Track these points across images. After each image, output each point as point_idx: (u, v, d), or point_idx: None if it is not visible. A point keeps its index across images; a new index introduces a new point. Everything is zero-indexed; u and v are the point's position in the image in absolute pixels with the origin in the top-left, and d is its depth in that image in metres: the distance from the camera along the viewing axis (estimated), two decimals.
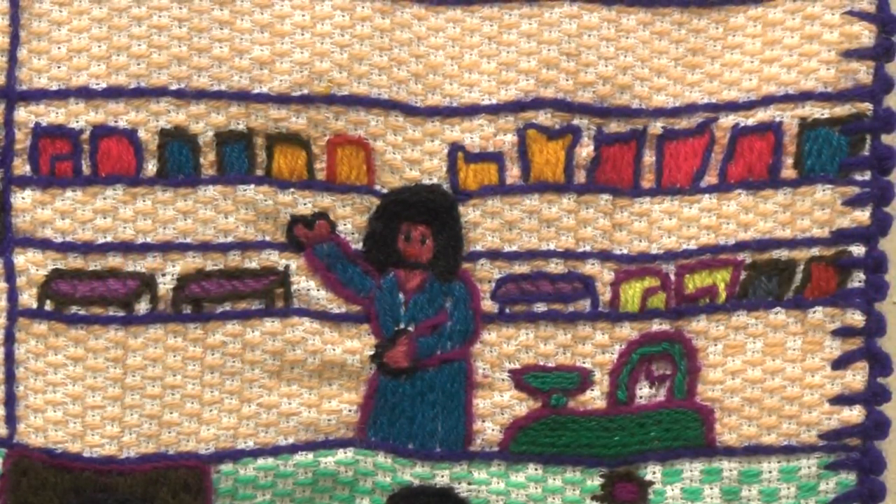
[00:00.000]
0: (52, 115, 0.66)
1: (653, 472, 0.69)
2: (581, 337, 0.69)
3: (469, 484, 0.69)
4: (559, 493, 0.69)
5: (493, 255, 0.68)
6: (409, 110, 0.68)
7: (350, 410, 0.69)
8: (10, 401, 0.66)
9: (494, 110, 0.68)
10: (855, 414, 0.68)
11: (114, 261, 0.66)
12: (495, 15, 0.69)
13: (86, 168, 0.66)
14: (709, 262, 0.69)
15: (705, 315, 0.69)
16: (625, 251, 0.69)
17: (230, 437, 0.68)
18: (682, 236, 0.69)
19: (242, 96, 0.66)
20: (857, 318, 0.68)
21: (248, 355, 0.68)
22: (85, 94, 0.66)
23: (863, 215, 0.68)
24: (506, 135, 0.68)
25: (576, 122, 0.68)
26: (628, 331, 0.69)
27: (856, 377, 0.68)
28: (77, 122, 0.66)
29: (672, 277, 0.69)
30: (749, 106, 0.69)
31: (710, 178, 0.69)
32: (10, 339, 0.66)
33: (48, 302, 0.66)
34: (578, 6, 0.68)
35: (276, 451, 0.68)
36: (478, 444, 0.69)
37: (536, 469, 0.69)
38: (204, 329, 0.67)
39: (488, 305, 0.69)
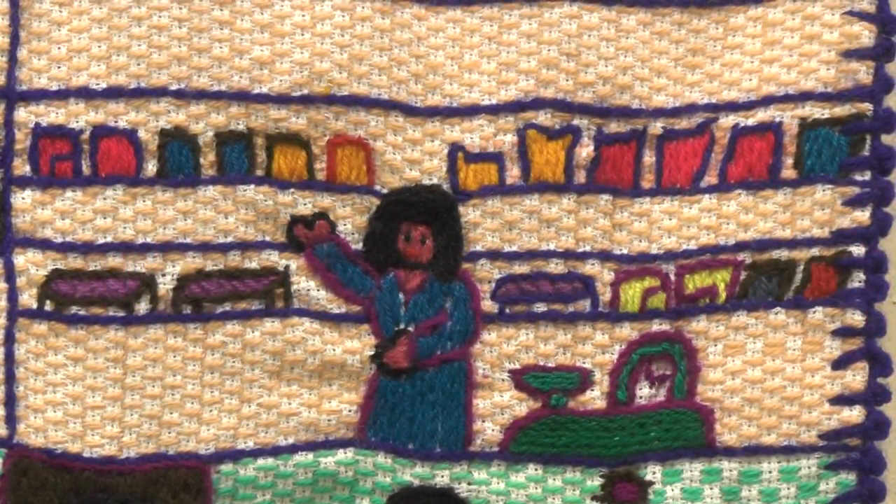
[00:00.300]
0: (52, 115, 0.66)
1: (653, 473, 0.69)
2: (581, 337, 0.69)
3: (469, 484, 0.69)
4: (559, 493, 0.69)
5: (493, 255, 0.68)
6: (409, 110, 0.68)
7: (350, 411, 0.69)
8: (10, 401, 0.66)
9: (494, 110, 0.68)
10: (855, 414, 0.68)
11: (114, 261, 0.66)
12: (495, 15, 0.69)
13: (86, 168, 0.66)
14: (709, 263, 0.69)
15: (705, 315, 0.69)
16: (625, 251, 0.69)
17: (230, 437, 0.68)
18: (682, 236, 0.69)
19: (242, 96, 0.66)
20: (857, 318, 0.68)
21: (248, 355, 0.68)
22: (85, 94, 0.66)
23: (863, 215, 0.68)
24: (506, 135, 0.68)
25: (576, 122, 0.68)
26: (628, 331, 0.69)
27: (856, 377, 0.68)
28: (77, 122, 0.66)
29: (672, 277, 0.69)
30: (749, 106, 0.69)
31: (710, 179, 0.69)
32: (10, 340, 0.66)
33: (48, 302, 0.66)
34: (578, 6, 0.68)
35: (276, 451, 0.68)
36: (478, 445, 0.69)
37: (536, 469, 0.69)
38: (204, 329, 0.67)
39: (488, 305, 0.69)
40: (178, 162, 0.67)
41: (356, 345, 0.68)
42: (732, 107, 0.69)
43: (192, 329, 0.67)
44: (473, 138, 0.68)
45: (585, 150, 0.68)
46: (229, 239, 0.67)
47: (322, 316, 0.68)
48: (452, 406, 0.69)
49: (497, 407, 0.69)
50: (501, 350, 0.69)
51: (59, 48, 0.66)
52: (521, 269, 0.69)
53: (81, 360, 0.66)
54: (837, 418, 0.69)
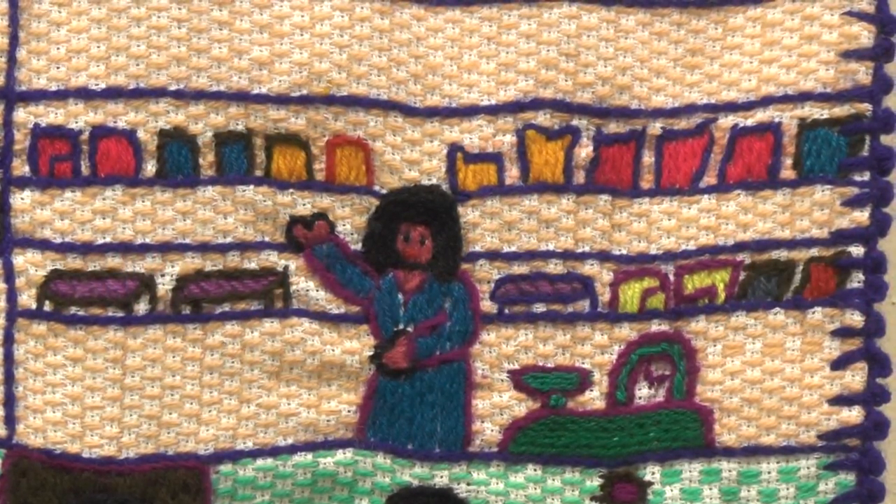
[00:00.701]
0: (52, 115, 0.66)
1: (652, 473, 0.69)
2: (580, 337, 0.69)
3: (468, 484, 0.69)
4: (558, 493, 0.69)
5: (493, 255, 0.68)
6: (408, 111, 0.68)
7: (349, 411, 0.69)
8: (10, 401, 0.66)
9: (493, 111, 0.68)
10: (854, 414, 0.68)
11: (113, 261, 0.66)
12: (494, 15, 0.68)
13: (85, 169, 0.66)
14: (708, 263, 0.69)
15: (704, 315, 0.69)
16: (624, 252, 0.69)
17: (229, 437, 0.68)
18: (681, 237, 0.69)
19: (241, 97, 0.66)
20: (856, 318, 0.68)
21: (247, 356, 0.68)
22: (84, 94, 0.66)
23: (862, 216, 0.68)
24: (505, 135, 0.68)
25: (575, 122, 0.68)
26: (627, 331, 0.69)
27: (855, 378, 0.68)
28: (76, 122, 0.66)
29: (671, 278, 0.69)
30: (748, 106, 0.69)
31: (710, 179, 0.69)
32: (9, 340, 0.66)
33: (47, 302, 0.66)
34: (577, 7, 0.68)
35: (275, 451, 0.68)
36: (477, 445, 0.69)
37: (535, 470, 0.69)
38: (203, 330, 0.67)
39: (487, 306, 0.69)
40: (178, 162, 0.67)
41: (355, 345, 0.68)
42: (731, 107, 0.69)
43: (191, 329, 0.67)
44: (472, 139, 0.68)
45: (584, 151, 0.68)
46: (228, 239, 0.67)
47: (321, 316, 0.68)
48: (451, 406, 0.69)
49: (496, 407, 0.69)
50: (500, 350, 0.69)
51: (58, 49, 0.66)
52: (520, 269, 0.69)
53: (80, 361, 0.66)
54: (836, 419, 0.69)
